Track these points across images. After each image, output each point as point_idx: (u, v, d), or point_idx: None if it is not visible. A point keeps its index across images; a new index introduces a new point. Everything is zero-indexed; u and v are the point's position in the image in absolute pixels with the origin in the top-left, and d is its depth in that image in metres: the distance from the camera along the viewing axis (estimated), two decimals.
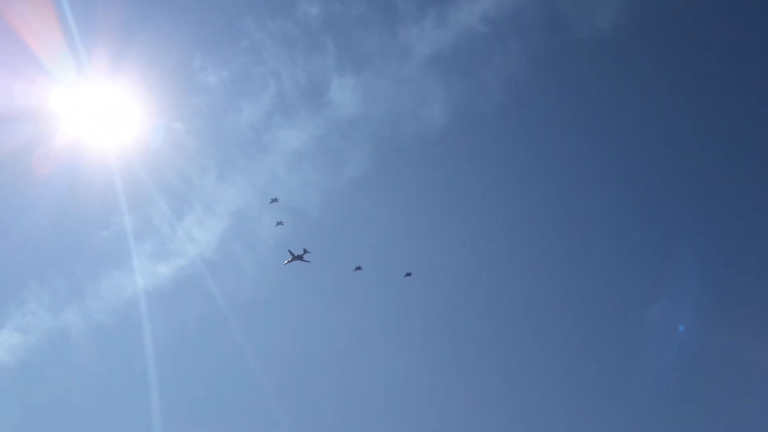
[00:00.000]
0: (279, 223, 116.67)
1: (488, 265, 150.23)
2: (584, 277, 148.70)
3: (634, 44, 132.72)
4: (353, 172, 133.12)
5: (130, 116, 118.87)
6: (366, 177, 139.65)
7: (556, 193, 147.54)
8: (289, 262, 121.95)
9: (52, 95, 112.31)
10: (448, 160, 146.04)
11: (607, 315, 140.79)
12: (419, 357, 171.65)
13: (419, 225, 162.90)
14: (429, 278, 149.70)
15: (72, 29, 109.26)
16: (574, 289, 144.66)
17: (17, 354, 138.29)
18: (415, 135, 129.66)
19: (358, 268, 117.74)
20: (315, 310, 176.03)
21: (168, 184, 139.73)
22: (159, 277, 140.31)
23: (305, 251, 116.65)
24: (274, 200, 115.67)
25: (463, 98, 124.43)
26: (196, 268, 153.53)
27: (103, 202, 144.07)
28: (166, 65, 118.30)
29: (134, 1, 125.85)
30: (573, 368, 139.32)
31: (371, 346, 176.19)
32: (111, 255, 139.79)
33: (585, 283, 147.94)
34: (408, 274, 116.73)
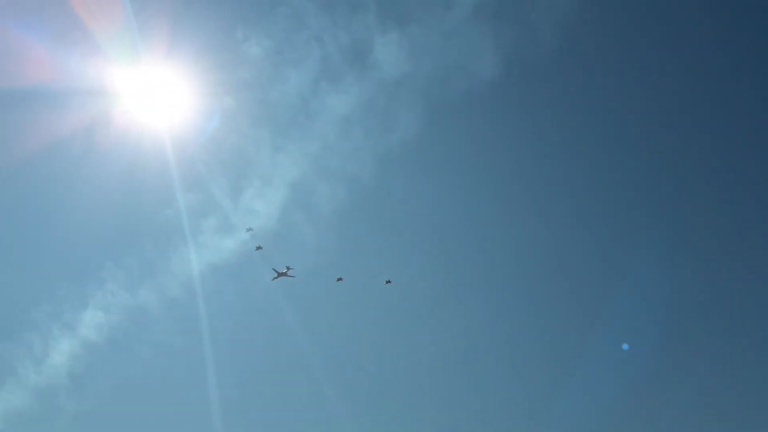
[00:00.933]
0: (258, 248, 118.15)
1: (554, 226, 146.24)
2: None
3: None
4: (404, 134, 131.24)
5: (182, 94, 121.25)
6: (418, 138, 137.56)
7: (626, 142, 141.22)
8: (275, 278, 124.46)
9: (110, 75, 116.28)
10: (502, 114, 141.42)
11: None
12: (491, 319, 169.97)
13: (478, 186, 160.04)
14: (488, 241, 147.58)
15: (128, 9, 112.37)
16: None
17: (103, 332, 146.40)
18: (466, 90, 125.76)
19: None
20: (377, 278, 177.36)
21: (224, 160, 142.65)
22: (225, 251, 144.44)
23: (288, 268, 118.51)
24: (250, 229, 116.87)
25: (514, 46, 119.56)
26: (260, 241, 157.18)
27: (164, 181, 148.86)
28: (211, 40, 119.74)
29: None
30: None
31: (434, 313, 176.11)
32: (177, 232, 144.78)
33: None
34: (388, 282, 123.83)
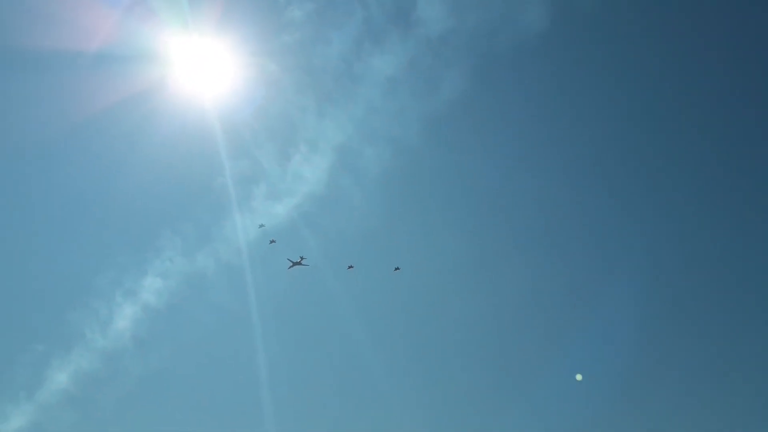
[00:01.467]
0: (272, 241, 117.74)
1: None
2: None
3: None
4: (451, 94, 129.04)
5: (230, 62, 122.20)
6: (465, 97, 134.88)
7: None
8: (290, 267, 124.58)
9: (164, 42, 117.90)
10: (551, 69, 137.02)
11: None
12: (535, 286, 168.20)
13: (529, 144, 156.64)
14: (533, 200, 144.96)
15: None
16: None
17: (163, 297, 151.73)
18: (513, 45, 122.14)
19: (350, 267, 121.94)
20: (427, 238, 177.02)
21: (271, 127, 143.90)
22: (276, 217, 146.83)
23: (302, 258, 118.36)
24: (262, 226, 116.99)
25: None
26: (309, 206, 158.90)
27: (214, 149, 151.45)
28: (256, 6, 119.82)
29: None
30: None
31: (485, 273, 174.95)
32: (230, 199, 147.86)
33: None
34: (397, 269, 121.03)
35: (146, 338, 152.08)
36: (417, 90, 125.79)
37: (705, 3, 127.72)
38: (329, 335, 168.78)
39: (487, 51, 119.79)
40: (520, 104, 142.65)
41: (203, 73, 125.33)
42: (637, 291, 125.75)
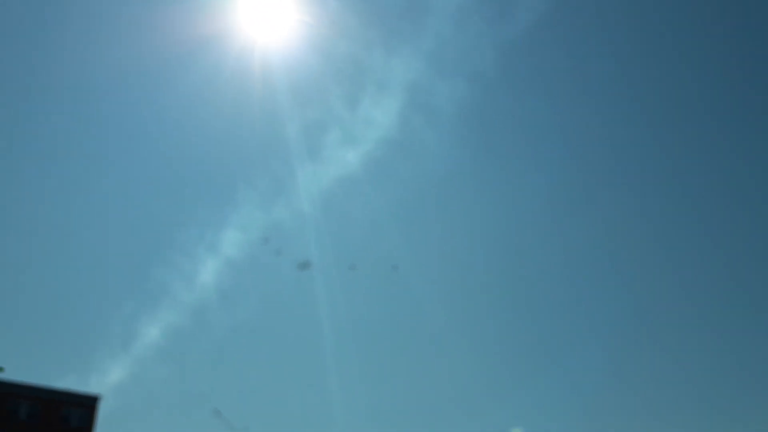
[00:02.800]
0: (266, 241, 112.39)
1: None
2: None
3: None
4: (528, 18, 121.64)
5: (289, 4, 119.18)
6: (544, 21, 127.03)
7: None
8: None
9: None
10: None
11: None
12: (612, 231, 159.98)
13: (622, 70, 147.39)
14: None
15: None
16: None
17: (244, 250, 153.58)
18: None
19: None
20: (509, 181, 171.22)
21: (338, 69, 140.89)
22: (349, 165, 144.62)
23: None
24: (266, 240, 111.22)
25: None
26: (382, 151, 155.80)
27: (282, 97, 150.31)
28: None
29: None
30: None
31: (575, 218, 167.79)
32: (301, 148, 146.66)
33: None
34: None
35: (230, 291, 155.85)
36: (491, 16, 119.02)
37: None
38: (398, 287, 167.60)
39: None
40: (602, 26, 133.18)
41: (265, 18, 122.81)
42: None
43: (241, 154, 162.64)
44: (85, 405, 43.31)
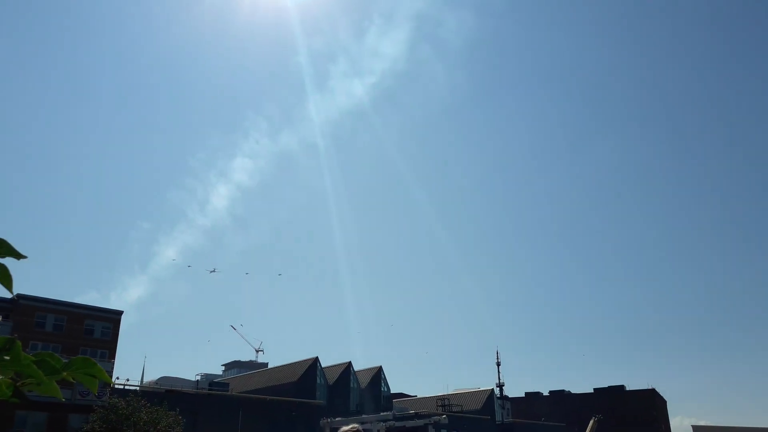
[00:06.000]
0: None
1: None
2: None
3: None
4: None
5: None
6: None
7: None
8: None
9: None
10: None
11: None
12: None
13: (641, 12, 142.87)
14: None
15: None
16: None
17: (254, 177, 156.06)
18: None
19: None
20: (516, 116, 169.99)
21: None
22: (355, 97, 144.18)
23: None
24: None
25: None
26: (389, 83, 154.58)
27: (289, 27, 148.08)
28: None
29: None
30: None
31: (580, 153, 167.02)
32: (308, 78, 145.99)
33: None
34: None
35: (243, 215, 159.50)
36: None
37: None
38: (403, 210, 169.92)
39: None
40: None
41: None
42: None
43: (249, 83, 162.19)
44: (108, 319, 46.70)
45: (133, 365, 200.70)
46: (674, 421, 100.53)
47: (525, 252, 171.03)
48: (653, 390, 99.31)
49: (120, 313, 47.90)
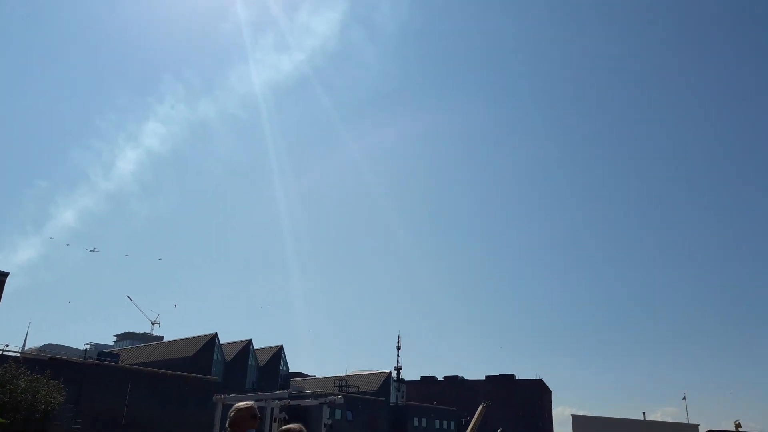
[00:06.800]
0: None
1: None
2: None
3: None
4: None
5: None
6: None
7: None
8: None
9: None
10: None
11: None
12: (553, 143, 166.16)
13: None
14: None
15: None
16: None
17: (167, 144, 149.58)
18: None
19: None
20: (448, 104, 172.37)
21: None
22: (281, 72, 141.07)
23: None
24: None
25: None
26: (319, 61, 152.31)
27: None
28: None
29: None
30: None
31: (513, 145, 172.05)
32: (234, 47, 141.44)
33: None
34: None
35: (151, 183, 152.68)
36: None
37: None
38: (345, 191, 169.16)
39: None
40: None
41: None
42: None
43: (171, 46, 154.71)
44: None
45: (17, 331, 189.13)
46: (557, 411, 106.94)
47: (431, 240, 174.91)
48: (540, 380, 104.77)
49: (5, 274, 44.70)
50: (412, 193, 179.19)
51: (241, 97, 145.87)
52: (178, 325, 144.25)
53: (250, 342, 68.50)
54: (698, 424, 54.70)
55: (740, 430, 54.79)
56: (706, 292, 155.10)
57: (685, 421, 59.41)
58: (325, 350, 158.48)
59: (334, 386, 73.84)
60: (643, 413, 63.09)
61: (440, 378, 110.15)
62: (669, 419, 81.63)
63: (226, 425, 4.29)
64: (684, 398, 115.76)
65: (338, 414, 62.04)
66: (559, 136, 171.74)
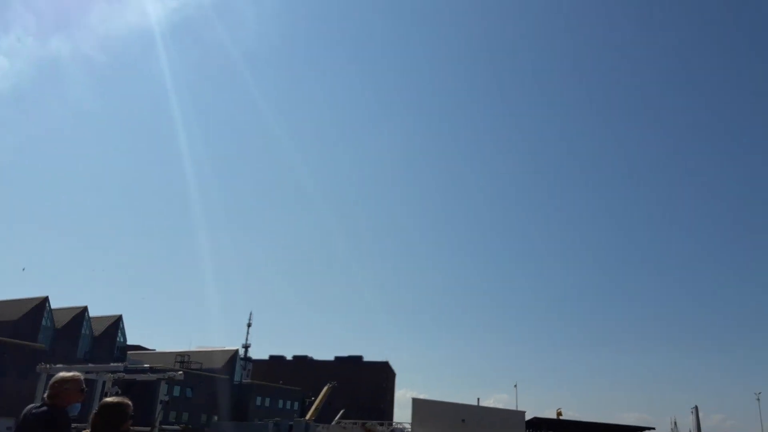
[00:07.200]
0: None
1: None
2: None
3: None
4: None
5: None
6: None
7: None
8: None
9: None
10: None
11: None
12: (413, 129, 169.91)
13: None
14: None
15: None
16: None
17: (8, 80, 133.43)
18: None
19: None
20: (326, 60, 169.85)
21: None
22: (150, 17, 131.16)
23: None
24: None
25: None
26: (191, 12, 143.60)
27: None
28: None
29: None
30: None
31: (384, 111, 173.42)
32: None
33: None
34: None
35: None
36: None
37: None
38: (172, 153, 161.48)
39: None
40: None
41: None
42: None
43: None
44: None
45: None
46: (399, 393, 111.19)
47: (291, 216, 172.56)
48: (387, 363, 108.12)
49: None
50: (265, 169, 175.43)
51: (101, 38, 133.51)
52: (18, 288, 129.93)
53: (85, 309, 63.45)
54: (525, 411, 59.30)
55: (561, 417, 60.47)
56: (536, 288, 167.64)
57: (515, 408, 64.40)
58: (169, 324, 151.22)
59: (176, 362, 70.69)
60: (478, 399, 67.48)
61: (289, 358, 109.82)
62: (501, 405, 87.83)
63: (44, 396, 3.72)
64: (515, 386, 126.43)
65: (177, 391, 59.62)
66: (433, 111, 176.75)
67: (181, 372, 49.15)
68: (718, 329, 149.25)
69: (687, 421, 68.43)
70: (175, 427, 55.20)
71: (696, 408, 66.12)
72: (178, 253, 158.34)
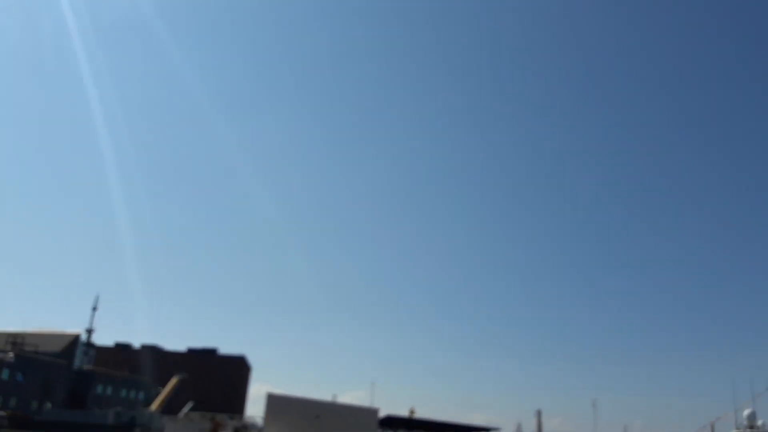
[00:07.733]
0: None
1: None
2: None
3: None
4: None
5: None
6: None
7: None
8: None
9: None
10: None
11: None
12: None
13: None
14: None
15: None
16: None
17: None
18: None
19: None
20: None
21: None
22: None
23: None
24: None
25: None
26: None
27: None
28: None
29: None
30: None
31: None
32: None
33: None
34: None
35: None
36: None
37: None
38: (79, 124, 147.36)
39: None
40: None
41: None
42: None
43: None
44: None
45: None
46: (254, 387, 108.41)
47: (147, 200, 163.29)
48: (243, 357, 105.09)
49: None
50: (137, 139, 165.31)
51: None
52: None
53: None
54: (379, 409, 59.94)
55: (414, 415, 61.89)
56: (401, 289, 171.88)
57: (369, 405, 64.91)
58: (3, 301, 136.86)
59: (7, 342, 63.92)
60: (334, 395, 67.40)
61: (137, 346, 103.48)
62: (358, 402, 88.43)
63: None
64: (372, 384, 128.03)
65: (6, 374, 54.01)
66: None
67: (11, 354, 44.52)
68: (560, 340, 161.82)
69: (531, 423, 72.95)
70: (1, 413, 49.99)
71: (539, 411, 70.81)
72: (22, 220, 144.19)
